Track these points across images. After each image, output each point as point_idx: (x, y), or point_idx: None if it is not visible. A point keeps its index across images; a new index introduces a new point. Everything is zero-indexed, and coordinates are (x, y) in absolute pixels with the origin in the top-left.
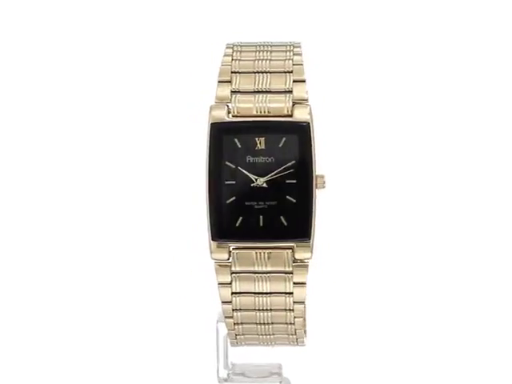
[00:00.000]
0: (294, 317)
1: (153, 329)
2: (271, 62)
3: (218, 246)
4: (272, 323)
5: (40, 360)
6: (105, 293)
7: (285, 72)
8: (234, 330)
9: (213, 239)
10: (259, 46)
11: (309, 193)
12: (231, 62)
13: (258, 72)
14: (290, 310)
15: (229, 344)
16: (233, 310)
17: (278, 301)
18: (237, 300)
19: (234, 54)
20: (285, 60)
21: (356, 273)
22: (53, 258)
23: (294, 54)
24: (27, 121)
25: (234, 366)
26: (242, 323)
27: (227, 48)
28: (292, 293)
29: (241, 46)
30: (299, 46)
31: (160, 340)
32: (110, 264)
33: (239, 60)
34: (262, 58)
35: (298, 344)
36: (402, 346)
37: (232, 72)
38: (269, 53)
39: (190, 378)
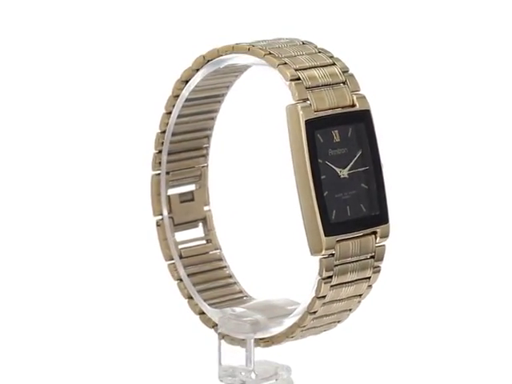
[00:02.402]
0: (358, 301)
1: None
2: (312, 56)
3: (328, 242)
4: (335, 313)
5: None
6: (105, 297)
7: (330, 65)
8: (305, 326)
9: (325, 235)
10: (279, 43)
11: (381, 178)
12: (282, 59)
13: (312, 67)
14: (360, 295)
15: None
16: (323, 304)
17: (358, 288)
18: (330, 293)
19: (273, 51)
20: (317, 53)
21: None
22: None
23: (318, 48)
24: None
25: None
26: (317, 318)
27: (260, 49)
28: (370, 278)
29: (266, 44)
30: (311, 42)
31: (158, 343)
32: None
33: (288, 57)
34: (300, 53)
35: (323, 332)
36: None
37: (295, 69)
38: (297, 47)
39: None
